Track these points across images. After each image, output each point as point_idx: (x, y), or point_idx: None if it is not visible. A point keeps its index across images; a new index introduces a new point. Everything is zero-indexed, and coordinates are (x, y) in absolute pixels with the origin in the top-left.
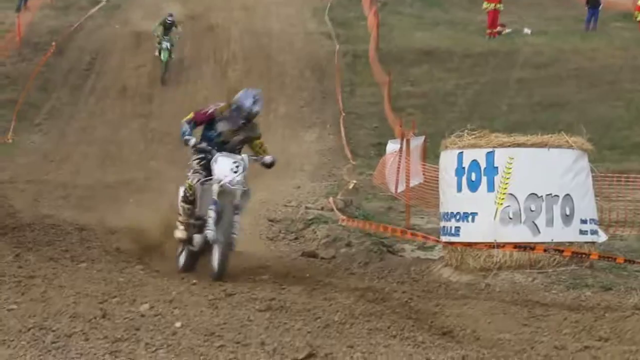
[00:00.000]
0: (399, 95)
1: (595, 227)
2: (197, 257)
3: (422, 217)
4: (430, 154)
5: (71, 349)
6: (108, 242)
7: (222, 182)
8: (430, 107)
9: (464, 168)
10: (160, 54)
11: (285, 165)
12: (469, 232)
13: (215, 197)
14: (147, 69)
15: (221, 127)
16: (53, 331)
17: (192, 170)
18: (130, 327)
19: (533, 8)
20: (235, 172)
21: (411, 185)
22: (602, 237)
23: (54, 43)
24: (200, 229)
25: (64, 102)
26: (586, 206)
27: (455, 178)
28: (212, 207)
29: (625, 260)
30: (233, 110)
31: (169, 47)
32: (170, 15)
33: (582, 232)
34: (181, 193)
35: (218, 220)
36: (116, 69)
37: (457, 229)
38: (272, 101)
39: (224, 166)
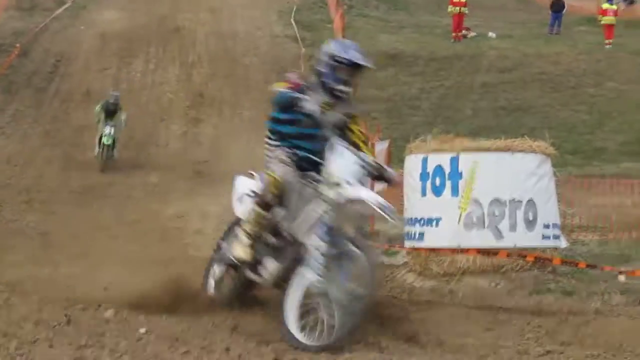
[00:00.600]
0: (365, 99)
1: (557, 232)
2: (249, 289)
3: (386, 223)
4: (395, 159)
5: (35, 356)
6: (72, 247)
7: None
8: (395, 111)
9: (428, 173)
10: (100, 140)
11: (251, 170)
12: (433, 237)
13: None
14: (112, 71)
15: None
16: (17, 338)
17: (276, 161)
18: (95, 333)
19: (498, 12)
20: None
21: (375, 190)
22: (564, 242)
23: (18, 45)
24: (280, 252)
25: (27, 104)
26: (549, 211)
27: (420, 183)
28: (323, 235)
29: (587, 266)
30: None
31: (111, 132)
32: (115, 97)
33: (544, 237)
34: (253, 188)
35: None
36: (81, 72)
37: (422, 234)
38: (237, 105)
39: (349, 167)
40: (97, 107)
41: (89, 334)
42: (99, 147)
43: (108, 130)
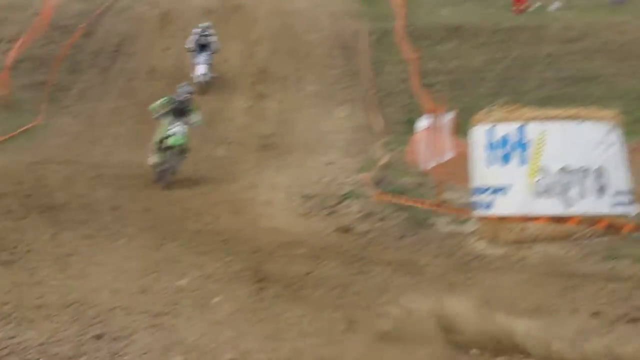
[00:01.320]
0: (428, 72)
1: (628, 199)
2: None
3: (455, 192)
4: (461, 130)
5: (113, 323)
6: (143, 220)
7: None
8: (459, 83)
9: (496, 142)
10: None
11: (317, 142)
12: (502, 206)
13: None
14: (174, 50)
15: None
16: (95, 306)
17: None
18: (170, 301)
19: None
20: None
21: (442, 160)
22: (635, 209)
23: (82, 25)
24: None
25: (93, 83)
26: (619, 178)
27: (487, 152)
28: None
29: None
30: None
31: (183, 131)
32: (186, 94)
33: (615, 204)
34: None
35: None
36: (144, 51)
37: (490, 202)
38: (301, 80)
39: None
40: (160, 102)
41: (164, 302)
42: (160, 152)
43: (177, 129)
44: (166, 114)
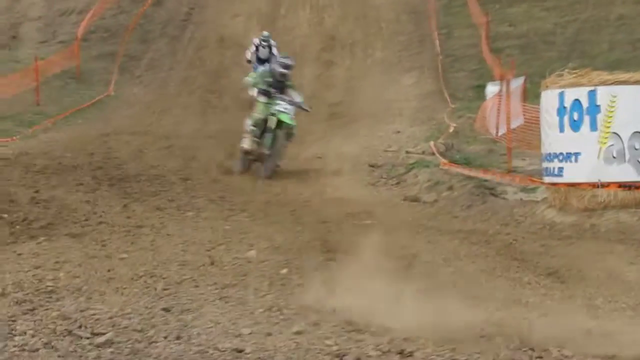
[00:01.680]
0: (497, 36)
1: None
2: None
3: (524, 159)
4: (531, 95)
5: (182, 296)
6: (213, 191)
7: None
8: (529, 47)
9: (565, 108)
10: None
11: (384, 111)
12: (573, 173)
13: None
14: (243, 18)
15: None
16: (164, 278)
17: None
18: (238, 273)
19: None
20: None
21: (512, 127)
22: None
23: None
24: None
25: (163, 53)
26: None
27: (557, 118)
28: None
29: None
30: None
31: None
32: (284, 67)
33: None
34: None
35: None
36: (214, 19)
37: (560, 169)
38: (369, 46)
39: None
40: (260, 74)
41: (232, 274)
42: (260, 135)
43: (285, 105)
44: (264, 90)
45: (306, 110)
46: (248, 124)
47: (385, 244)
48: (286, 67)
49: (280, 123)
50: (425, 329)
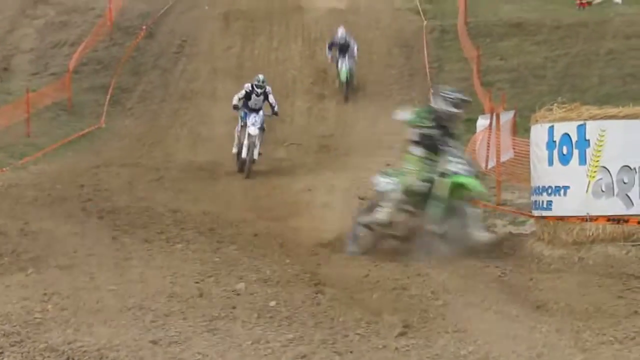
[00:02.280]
0: (488, 69)
1: None
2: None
3: (513, 192)
4: (520, 128)
5: (170, 328)
6: (202, 223)
7: None
8: (519, 80)
9: (555, 142)
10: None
11: (376, 143)
12: (561, 206)
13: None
14: (236, 50)
15: None
16: (152, 310)
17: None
18: (227, 305)
19: None
20: None
21: (501, 160)
22: None
23: (144, 27)
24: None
25: (155, 85)
26: None
27: (547, 152)
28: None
29: None
30: None
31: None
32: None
33: None
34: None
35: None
36: (206, 51)
37: (549, 202)
38: (360, 79)
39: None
40: (420, 111)
41: (221, 306)
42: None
43: (459, 164)
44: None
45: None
46: (387, 188)
47: (374, 277)
48: (458, 105)
49: (457, 189)
50: None
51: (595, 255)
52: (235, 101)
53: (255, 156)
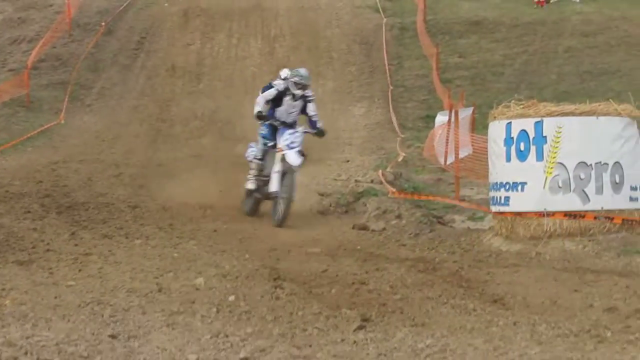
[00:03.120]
0: (447, 67)
1: None
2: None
3: (472, 189)
4: (479, 125)
5: (129, 322)
6: (161, 219)
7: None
8: (478, 78)
9: (512, 138)
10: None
11: (334, 140)
12: (519, 202)
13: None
14: (196, 47)
15: None
16: (111, 305)
17: None
18: (186, 300)
19: None
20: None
21: (460, 156)
22: None
23: (103, 23)
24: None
25: (114, 81)
26: (636, 173)
27: (504, 148)
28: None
29: None
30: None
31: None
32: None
33: (632, 199)
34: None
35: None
36: (165, 48)
37: (507, 198)
38: (320, 76)
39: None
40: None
41: (180, 301)
42: None
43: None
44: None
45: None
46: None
47: (333, 272)
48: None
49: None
50: (371, 354)
51: (552, 250)
52: (260, 106)
53: (294, 196)
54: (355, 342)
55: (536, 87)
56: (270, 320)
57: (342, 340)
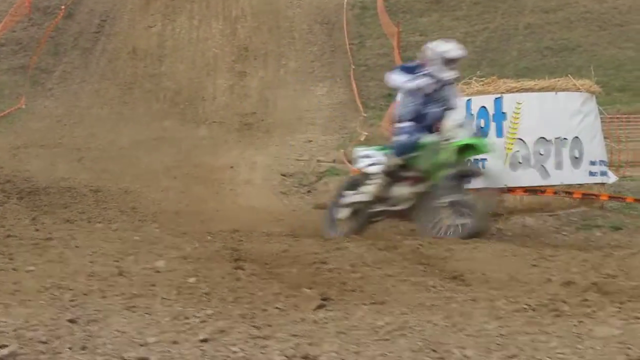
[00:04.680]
0: (409, 45)
1: (604, 168)
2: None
3: None
4: None
5: (89, 307)
6: (124, 202)
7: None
8: None
9: (472, 115)
10: None
11: (297, 120)
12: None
13: None
14: (157, 29)
15: None
16: (71, 290)
17: None
18: (146, 283)
19: None
20: None
21: None
22: (611, 178)
23: (63, 6)
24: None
25: (75, 65)
26: (595, 148)
27: (462, 126)
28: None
29: (635, 200)
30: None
31: None
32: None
33: (591, 174)
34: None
35: None
36: (126, 30)
37: None
38: (282, 56)
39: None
40: None
41: (140, 284)
42: None
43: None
44: None
45: None
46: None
47: (294, 252)
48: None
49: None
50: (331, 333)
51: (513, 226)
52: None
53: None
54: (315, 321)
55: (497, 64)
56: (230, 301)
57: (302, 319)
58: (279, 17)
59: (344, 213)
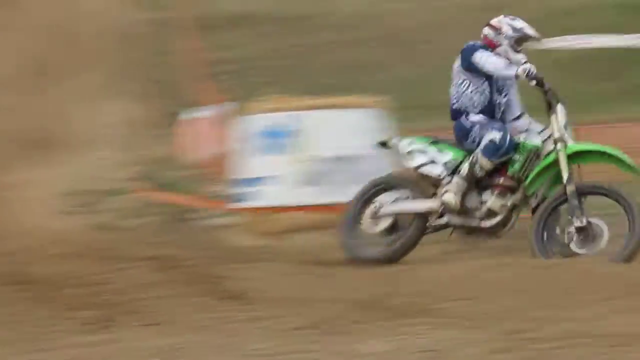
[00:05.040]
0: (209, 62)
1: None
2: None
3: (222, 185)
4: (233, 120)
5: None
6: None
7: None
8: (237, 73)
9: (262, 133)
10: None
11: (90, 137)
12: (264, 196)
13: None
14: None
15: None
16: None
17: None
18: None
19: None
20: None
21: (211, 153)
22: None
23: None
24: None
25: None
26: (374, 165)
27: (252, 143)
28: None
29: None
30: None
31: None
32: None
33: None
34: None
35: None
36: None
37: (252, 194)
38: (77, 72)
39: None
40: None
41: None
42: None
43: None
44: None
45: None
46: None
47: (73, 273)
48: None
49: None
50: (104, 356)
51: (293, 244)
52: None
53: None
54: (91, 343)
55: (293, 82)
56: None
57: (76, 343)
58: (74, 31)
59: (382, 225)
